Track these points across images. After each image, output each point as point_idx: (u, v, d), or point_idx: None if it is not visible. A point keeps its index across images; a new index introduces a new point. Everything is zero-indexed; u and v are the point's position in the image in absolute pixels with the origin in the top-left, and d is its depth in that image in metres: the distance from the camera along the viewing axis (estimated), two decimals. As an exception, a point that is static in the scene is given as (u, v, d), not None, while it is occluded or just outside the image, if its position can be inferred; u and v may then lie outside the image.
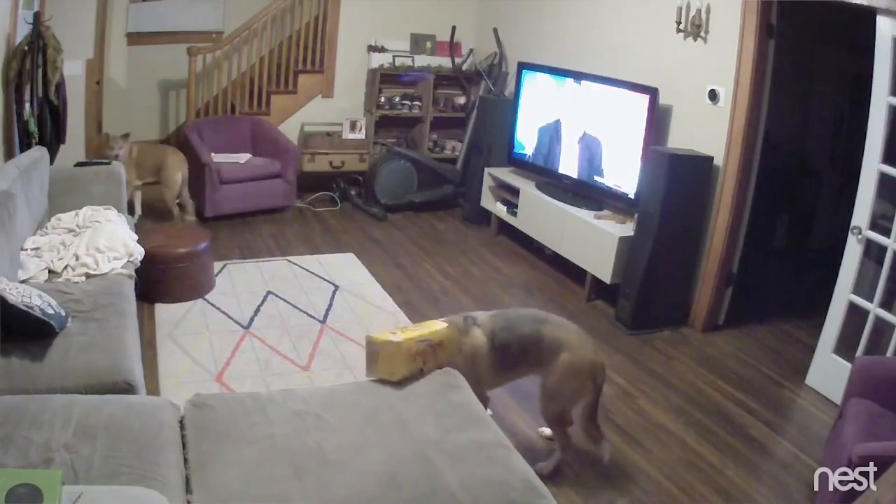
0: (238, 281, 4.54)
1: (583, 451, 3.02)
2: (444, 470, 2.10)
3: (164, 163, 5.27)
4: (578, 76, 5.11)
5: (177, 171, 5.29)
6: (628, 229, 4.49)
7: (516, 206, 5.48)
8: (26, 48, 4.49)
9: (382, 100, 6.56)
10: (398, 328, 2.76)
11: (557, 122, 5.29)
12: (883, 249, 3.42)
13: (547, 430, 3.11)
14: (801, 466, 3.14)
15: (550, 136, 5.36)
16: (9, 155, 4.52)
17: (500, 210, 5.72)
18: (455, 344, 2.76)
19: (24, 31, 4.56)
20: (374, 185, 6.21)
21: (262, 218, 5.76)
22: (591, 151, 5.01)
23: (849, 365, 3.21)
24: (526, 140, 5.61)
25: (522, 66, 5.66)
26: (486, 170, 5.88)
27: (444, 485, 2.04)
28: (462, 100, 6.78)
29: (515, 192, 5.49)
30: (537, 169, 5.52)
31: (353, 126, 6.43)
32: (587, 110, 5.02)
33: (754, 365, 4.06)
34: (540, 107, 5.47)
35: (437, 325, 2.76)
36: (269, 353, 3.73)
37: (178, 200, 5.37)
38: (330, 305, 4.33)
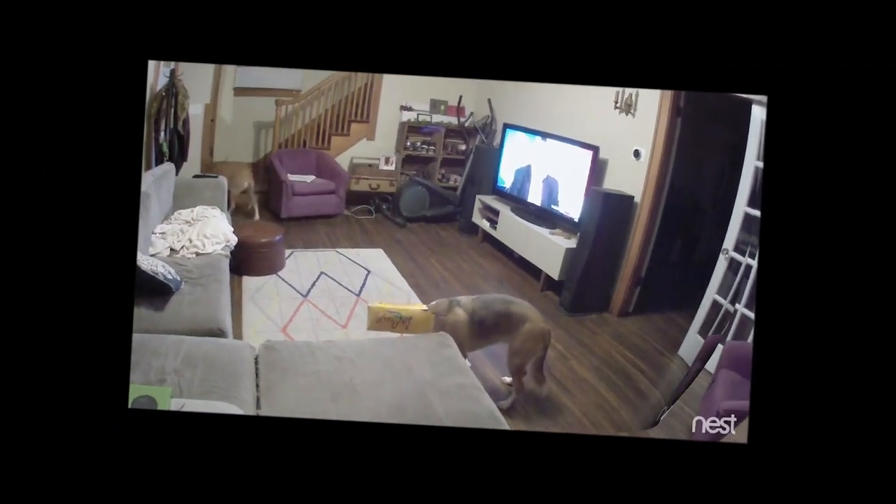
0: (301, 264, 4.52)
1: (530, 395, 3.02)
2: (436, 403, 2.11)
3: (240, 173, 5.24)
4: (545, 135, 5.08)
5: (243, 179, 5.26)
6: (572, 243, 4.48)
7: (496, 223, 5.47)
8: (164, 94, 4.49)
9: (408, 144, 6.53)
10: (389, 303, 3.07)
11: (529, 166, 5.26)
12: (739, 264, 3.49)
13: (507, 379, 3.11)
14: (684, 415, 3.12)
15: (523, 175, 5.34)
16: (147, 168, 4.51)
17: (485, 225, 5.69)
18: (429, 322, 2.88)
19: (162, 82, 4.56)
20: (398, 203, 6.18)
21: (320, 221, 5.72)
22: (550, 188, 4.99)
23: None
24: (506, 177, 5.57)
25: (507, 126, 5.62)
26: (478, 196, 5.84)
27: (434, 413, 2.05)
28: (463, 147, 6.73)
29: (496, 212, 5.46)
30: (513, 198, 5.48)
31: (387, 160, 6.40)
32: (549, 159, 5.00)
33: (650, 341, 4.04)
34: (517, 155, 5.44)
35: (415, 308, 3.01)
36: (319, 314, 3.73)
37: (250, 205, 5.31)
38: (364, 284, 4.32)
